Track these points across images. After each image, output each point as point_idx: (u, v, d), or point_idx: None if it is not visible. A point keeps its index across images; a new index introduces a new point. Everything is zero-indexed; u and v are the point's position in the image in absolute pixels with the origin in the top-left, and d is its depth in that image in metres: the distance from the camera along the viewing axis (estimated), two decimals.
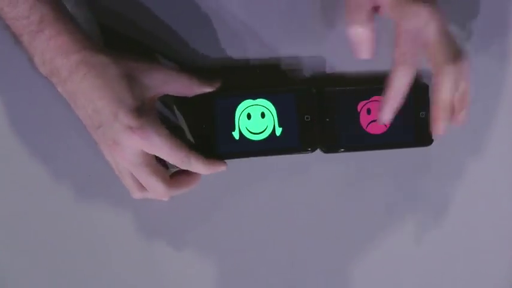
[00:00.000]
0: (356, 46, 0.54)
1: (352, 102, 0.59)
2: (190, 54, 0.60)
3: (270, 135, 0.58)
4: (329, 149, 0.60)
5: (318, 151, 0.60)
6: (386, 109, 0.53)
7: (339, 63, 0.61)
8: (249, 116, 0.58)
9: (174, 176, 0.56)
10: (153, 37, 0.60)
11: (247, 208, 0.60)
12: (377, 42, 0.61)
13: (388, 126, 0.59)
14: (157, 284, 0.60)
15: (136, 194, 0.55)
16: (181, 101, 0.59)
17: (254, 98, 0.58)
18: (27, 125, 0.60)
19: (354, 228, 0.61)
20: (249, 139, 0.57)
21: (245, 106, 0.58)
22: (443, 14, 0.51)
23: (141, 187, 0.55)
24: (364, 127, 0.59)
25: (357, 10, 0.53)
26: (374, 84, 0.61)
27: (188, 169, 0.55)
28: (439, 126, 0.54)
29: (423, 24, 0.51)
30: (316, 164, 0.61)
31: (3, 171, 0.60)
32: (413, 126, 0.60)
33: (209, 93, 0.57)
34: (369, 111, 0.59)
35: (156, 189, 0.54)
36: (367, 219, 0.61)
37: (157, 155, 0.53)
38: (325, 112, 0.59)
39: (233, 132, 0.57)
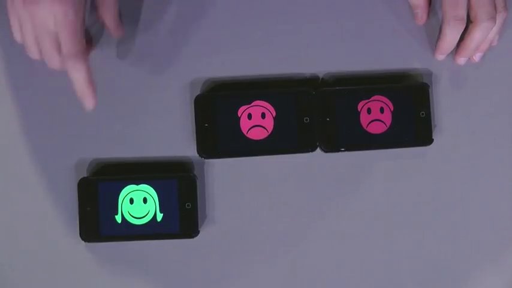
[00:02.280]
0: (413, 12, 0.61)
1: (352, 102, 0.59)
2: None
3: (151, 220, 0.58)
4: (329, 148, 0.60)
5: (318, 151, 0.60)
6: (440, 55, 0.61)
7: (339, 63, 0.61)
8: (131, 201, 0.58)
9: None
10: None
11: (247, 208, 0.60)
12: (377, 43, 0.62)
13: (388, 126, 0.59)
14: (157, 283, 0.60)
15: (34, 54, 0.55)
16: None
17: (137, 184, 0.58)
18: (27, 125, 0.60)
19: (353, 228, 0.60)
20: (130, 223, 0.58)
21: (128, 191, 0.58)
22: None
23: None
24: (364, 127, 0.59)
25: None
26: (374, 84, 0.61)
27: (68, 71, 0.52)
28: (461, 60, 0.61)
29: None
30: (316, 164, 0.60)
31: (4, 171, 0.60)
32: (413, 126, 0.60)
33: (94, 178, 0.59)
34: (369, 111, 0.59)
35: (50, 59, 0.53)
36: (367, 219, 0.60)
37: (57, 30, 0.52)
38: (326, 112, 0.59)
39: (116, 216, 0.58)
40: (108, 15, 0.57)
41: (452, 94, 0.61)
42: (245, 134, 0.59)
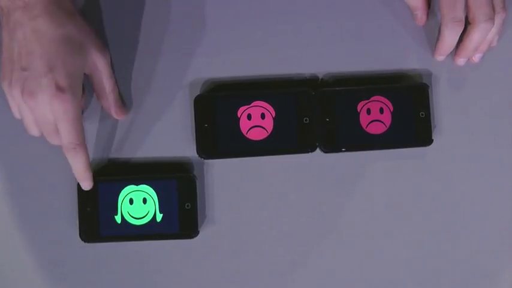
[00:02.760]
0: (413, 13, 0.61)
1: (352, 102, 0.59)
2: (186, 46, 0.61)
3: (151, 220, 0.58)
4: (329, 149, 0.60)
5: (318, 151, 0.60)
6: (439, 56, 0.61)
7: (338, 64, 0.61)
8: (131, 201, 0.58)
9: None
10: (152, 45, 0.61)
11: (247, 208, 0.60)
12: (377, 43, 0.61)
13: (387, 126, 0.59)
14: (157, 283, 0.60)
15: (33, 132, 0.56)
16: None
17: (137, 184, 0.58)
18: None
19: (353, 227, 0.60)
20: (130, 223, 0.58)
21: (128, 191, 0.58)
22: None
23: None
24: (364, 127, 0.59)
25: None
26: (374, 84, 0.61)
27: (67, 156, 0.54)
28: (461, 61, 0.61)
29: None
30: (316, 164, 0.60)
31: (4, 172, 0.60)
32: (413, 127, 0.59)
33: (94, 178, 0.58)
34: (368, 111, 0.59)
35: (54, 142, 0.55)
36: (367, 219, 0.61)
37: (57, 123, 0.53)
38: (325, 112, 0.59)
39: (115, 216, 0.58)
40: (107, 101, 0.58)
41: (452, 94, 0.61)
42: (245, 134, 0.59)
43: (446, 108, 0.61)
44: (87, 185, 0.57)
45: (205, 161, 0.60)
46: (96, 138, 0.60)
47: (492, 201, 0.61)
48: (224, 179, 0.60)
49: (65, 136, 0.53)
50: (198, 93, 0.60)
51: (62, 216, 0.60)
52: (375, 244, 0.61)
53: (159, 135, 0.60)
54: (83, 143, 0.54)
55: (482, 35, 0.58)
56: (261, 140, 0.59)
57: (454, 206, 0.61)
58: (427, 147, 0.60)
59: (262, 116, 0.59)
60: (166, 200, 0.58)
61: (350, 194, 0.61)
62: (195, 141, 0.59)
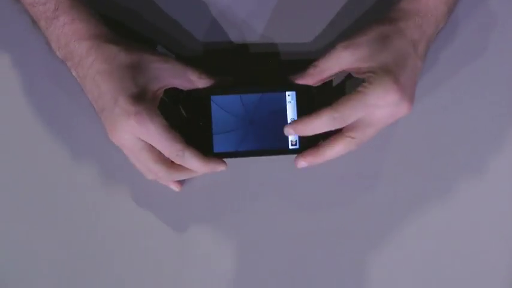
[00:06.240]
0: None
1: None
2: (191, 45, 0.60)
3: None
4: None
5: None
6: (304, 163, 0.57)
7: None
8: None
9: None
10: (152, 27, 0.61)
11: (246, 208, 0.60)
12: None
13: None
14: (157, 283, 0.60)
15: (148, 175, 0.56)
16: (177, 99, 0.60)
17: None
18: (28, 129, 0.60)
19: (353, 228, 0.61)
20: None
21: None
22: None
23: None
24: None
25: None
26: None
27: (182, 164, 0.54)
28: (302, 163, 0.57)
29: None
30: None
31: (5, 176, 0.60)
32: None
33: (207, 89, 0.57)
34: None
35: (158, 174, 0.55)
36: (367, 219, 0.61)
37: (152, 144, 0.53)
38: None
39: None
40: (195, 83, 0.57)
41: (451, 94, 0.61)
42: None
43: (445, 108, 0.61)
44: (221, 167, 0.56)
45: None
46: (96, 140, 0.60)
47: (492, 201, 0.61)
48: (224, 179, 0.60)
49: (165, 151, 0.53)
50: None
51: (61, 218, 0.60)
52: (375, 244, 0.61)
53: None
54: (184, 146, 0.53)
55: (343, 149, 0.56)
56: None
57: (454, 206, 0.61)
58: (427, 147, 0.60)
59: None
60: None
61: (350, 194, 0.61)
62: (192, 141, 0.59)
